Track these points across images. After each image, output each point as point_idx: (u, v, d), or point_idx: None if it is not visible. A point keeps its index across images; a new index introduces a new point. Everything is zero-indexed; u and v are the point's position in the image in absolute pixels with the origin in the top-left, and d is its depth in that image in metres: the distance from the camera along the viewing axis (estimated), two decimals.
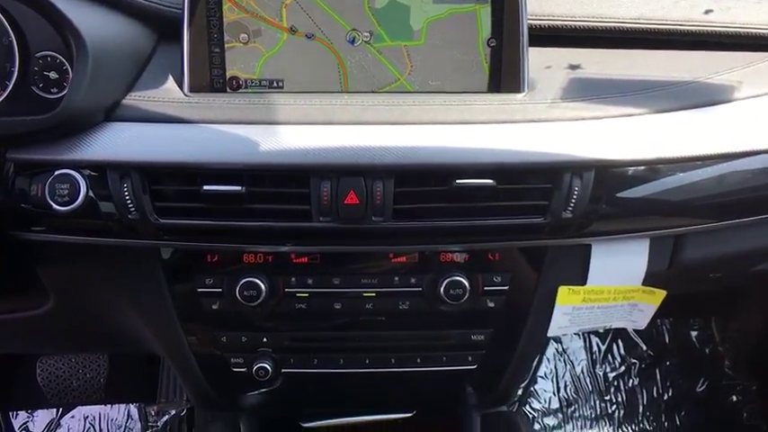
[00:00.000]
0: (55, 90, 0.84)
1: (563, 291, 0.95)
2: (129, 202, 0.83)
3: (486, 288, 0.95)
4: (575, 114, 0.87)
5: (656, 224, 0.91)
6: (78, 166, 0.83)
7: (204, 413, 1.19)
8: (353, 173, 0.83)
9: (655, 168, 0.88)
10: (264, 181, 0.85)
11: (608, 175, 0.86)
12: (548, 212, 0.86)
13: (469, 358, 1.02)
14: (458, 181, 0.83)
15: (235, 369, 1.02)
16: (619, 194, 0.87)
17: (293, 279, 0.94)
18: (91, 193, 0.84)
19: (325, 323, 0.99)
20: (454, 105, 0.87)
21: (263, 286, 0.92)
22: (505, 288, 0.96)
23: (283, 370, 1.02)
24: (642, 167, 0.87)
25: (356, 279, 0.95)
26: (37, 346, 1.35)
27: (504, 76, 0.89)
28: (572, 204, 0.85)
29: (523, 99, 0.88)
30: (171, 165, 0.83)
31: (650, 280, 0.97)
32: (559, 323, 0.99)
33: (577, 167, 0.85)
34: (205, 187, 0.83)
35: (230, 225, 0.86)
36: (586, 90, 0.89)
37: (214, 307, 0.96)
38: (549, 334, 1.01)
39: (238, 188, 0.82)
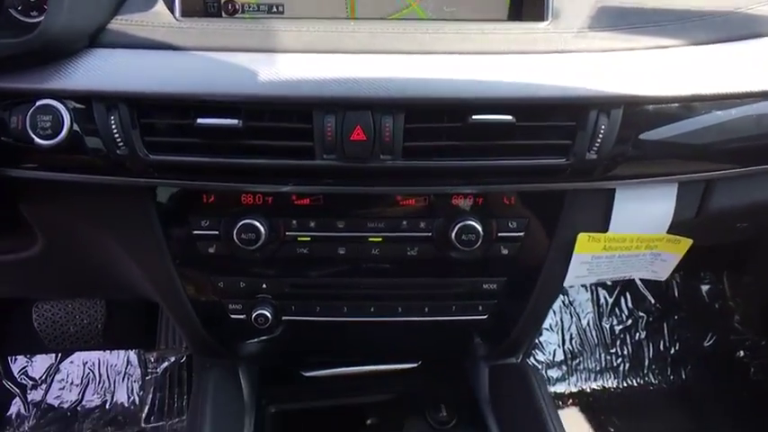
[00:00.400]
0: (35, 13, 0.78)
1: (582, 238, 0.89)
2: (116, 136, 0.77)
3: (500, 234, 0.89)
4: (603, 45, 0.79)
5: (687, 168, 0.85)
6: (61, 96, 0.77)
7: (202, 360, 1.15)
8: (360, 107, 0.77)
9: (689, 106, 0.81)
10: (263, 115, 0.78)
11: (638, 113, 0.79)
12: (570, 153, 0.80)
13: (480, 308, 0.97)
14: (474, 117, 0.76)
15: (233, 316, 0.97)
16: (649, 134, 0.80)
17: (294, 222, 0.88)
18: (75, 127, 0.77)
19: (328, 269, 0.94)
20: (471, 34, 0.80)
21: (262, 229, 0.86)
22: (521, 234, 0.90)
23: (284, 317, 0.97)
24: (676, 105, 0.80)
25: (362, 223, 0.89)
26: (29, 290, 1.31)
27: (526, 2, 0.82)
28: (597, 144, 0.79)
29: (547, 28, 0.81)
30: (161, 96, 0.77)
31: (676, 228, 0.91)
32: (577, 272, 0.94)
33: (605, 104, 0.78)
34: (199, 121, 0.76)
35: (226, 162, 0.80)
36: (617, 19, 0.81)
37: (210, 250, 0.90)
38: (566, 284, 0.96)
39: (235, 122, 0.76)
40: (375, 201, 0.89)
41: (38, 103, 0.76)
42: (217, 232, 0.89)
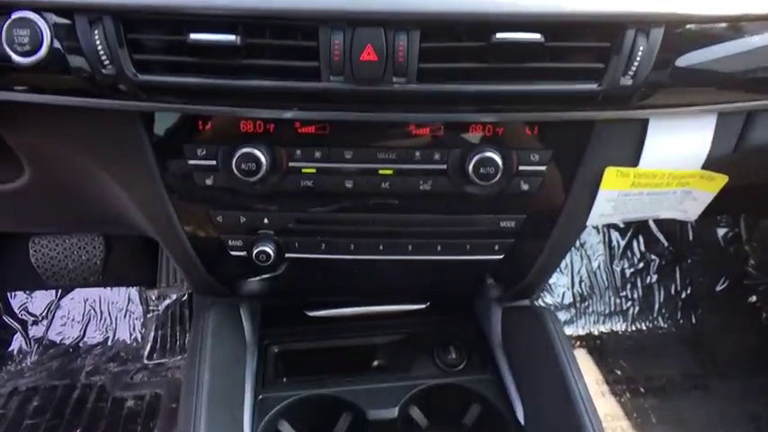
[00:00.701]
0: None
1: (610, 173, 0.83)
2: (101, 53, 0.70)
3: (521, 167, 0.82)
4: None
5: (729, 97, 0.77)
6: (39, 7, 0.70)
7: (203, 299, 1.10)
8: (371, 23, 0.69)
9: (737, 27, 0.73)
10: (264, 30, 0.70)
11: (680, 34, 0.71)
12: (603, 78, 0.72)
13: (496, 247, 0.91)
14: (497, 35, 0.69)
15: (233, 253, 0.92)
16: (690, 58, 0.72)
17: (298, 152, 0.81)
18: (56, 43, 0.70)
19: (334, 204, 0.87)
20: None
21: (263, 159, 0.79)
22: (543, 168, 0.83)
23: (287, 255, 0.91)
24: (722, 25, 0.72)
25: (371, 153, 0.82)
26: (20, 224, 1.25)
27: None
28: (633, 69, 0.71)
29: None
30: (151, 7, 0.69)
31: (711, 164, 0.84)
32: (602, 210, 0.87)
33: (644, 22, 0.70)
34: (192, 36, 0.69)
35: (223, 84, 0.72)
36: None
37: (208, 182, 0.84)
38: (589, 223, 0.89)
39: (232, 38, 0.69)
40: (386, 129, 0.81)
41: (13, 16, 0.69)
42: (214, 162, 0.82)
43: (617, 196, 0.85)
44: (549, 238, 0.92)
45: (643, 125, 0.80)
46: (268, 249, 0.89)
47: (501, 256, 0.92)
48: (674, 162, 0.83)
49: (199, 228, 0.91)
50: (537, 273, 0.98)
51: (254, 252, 0.89)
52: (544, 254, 0.94)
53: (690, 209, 0.91)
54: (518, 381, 1.02)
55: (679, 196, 0.88)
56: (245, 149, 0.79)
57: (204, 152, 0.82)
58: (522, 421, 0.98)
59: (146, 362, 1.84)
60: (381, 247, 0.91)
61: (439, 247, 0.91)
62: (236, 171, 0.80)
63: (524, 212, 0.88)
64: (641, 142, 0.81)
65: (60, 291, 1.88)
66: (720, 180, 0.86)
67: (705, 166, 0.84)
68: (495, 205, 0.87)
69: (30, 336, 1.90)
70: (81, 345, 1.89)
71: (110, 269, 1.72)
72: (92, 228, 1.43)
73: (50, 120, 0.81)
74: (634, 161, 0.83)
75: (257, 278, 0.99)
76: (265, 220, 0.88)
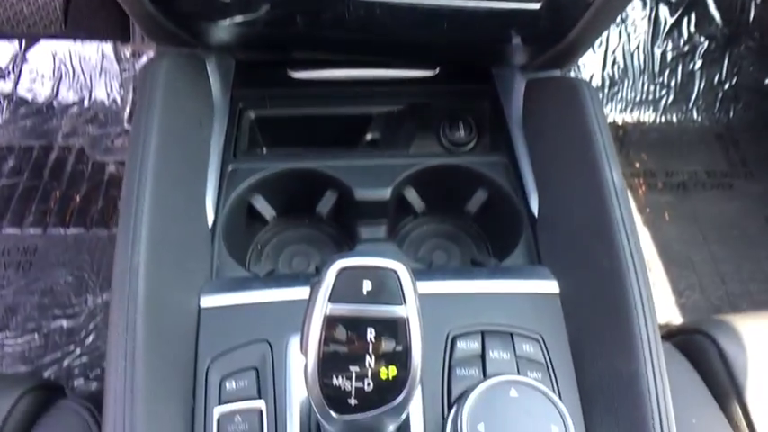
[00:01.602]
0: None
1: None
2: None
3: None
4: None
5: None
6: None
7: (162, 50, 0.89)
8: None
9: None
10: None
11: None
12: None
13: None
14: None
15: None
16: None
17: None
18: None
19: None
20: None
21: None
22: None
23: None
24: None
25: None
26: None
27: None
28: None
29: None
30: None
31: None
32: None
33: None
34: None
35: None
36: None
37: None
38: None
39: None
40: None
41: None
42: None
43: None
44: None
45: None
46: None
47: (538, 4, 0.70)
48: None
49: None
50: (580, 32, 0.76)
51: None
52: (595, 5, 0.71)
53: None
54: (536, 165, 0.86)
55: None
56: None
57: None
58: (536, 212, 0.83)
59: (126, 126, 1.70)
60: None
61: None
62: None
63: None
64: None
65: (24, 41, 1.67)
66: None
67: None
68: None
69: None
70: (55, 104, 1.73)
71: (72, 17, 1.48)
72: None
73: None
74: None
75: (224, 21, 0.78)
76: None
